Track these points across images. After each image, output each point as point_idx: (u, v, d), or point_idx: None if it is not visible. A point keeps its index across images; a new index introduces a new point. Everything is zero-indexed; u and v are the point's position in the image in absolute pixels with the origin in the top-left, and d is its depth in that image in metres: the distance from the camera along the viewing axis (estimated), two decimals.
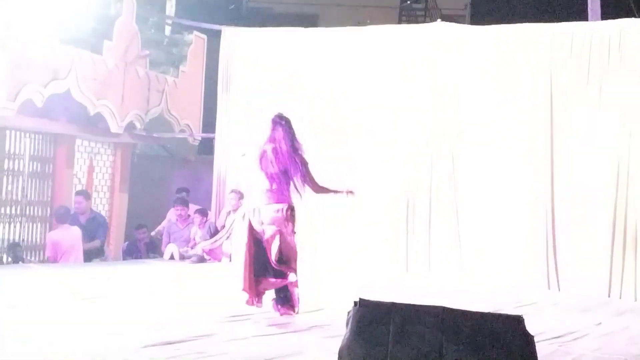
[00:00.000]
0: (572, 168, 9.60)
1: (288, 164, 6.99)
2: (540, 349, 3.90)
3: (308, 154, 7.17)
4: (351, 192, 7.24)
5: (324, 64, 11.26)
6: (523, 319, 3.78)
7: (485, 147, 10.10)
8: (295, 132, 7.15)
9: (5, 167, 11.41)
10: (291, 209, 7.03)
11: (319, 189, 7.17)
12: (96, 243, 11.04)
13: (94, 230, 11.12)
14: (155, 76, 12.99)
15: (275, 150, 7.00)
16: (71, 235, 10.48)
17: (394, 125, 10.74)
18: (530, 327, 3.79)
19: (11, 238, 11.24)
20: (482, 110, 10.19)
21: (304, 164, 7.06)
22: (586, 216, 9.45)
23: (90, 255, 10.78)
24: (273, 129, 7.11)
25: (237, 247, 7.49)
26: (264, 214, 7.02)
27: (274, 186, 7.01)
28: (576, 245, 9.46)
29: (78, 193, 11.63)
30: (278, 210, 6.98)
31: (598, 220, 9.35)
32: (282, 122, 7.13)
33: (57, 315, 6.36)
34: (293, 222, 7.04)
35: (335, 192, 7.24)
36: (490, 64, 10.20)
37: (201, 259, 10.96)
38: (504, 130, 9.99)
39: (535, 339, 3.79)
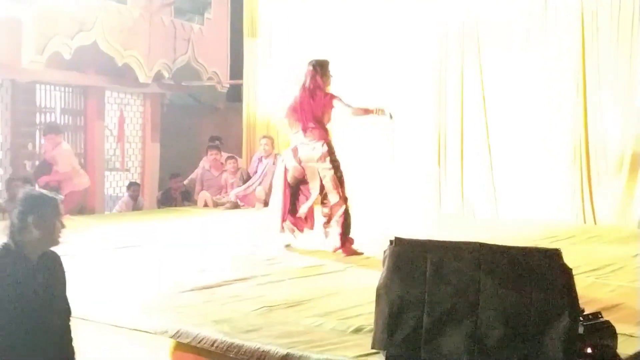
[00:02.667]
0: (605, 102, 9.43)
1: (323, 104, 7.07)
2: (579, 281, 3.88)
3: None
4: (381, 110, 7.24)
5: (352, 5, 11.11)
6: (561, 253, 3.74)
7: (516, 82, 9.94)
8: (328, 75, 7.21)
9: (38, 120, 11.51)
10: (328, 144, 7.10)
11: (355, 111, 7.26)
12: None
13: None
14: (180, 24, 12.93)
15: (311, 92, 7.14)
16: None
17: (425, 67, 10.61)
18: (568, 260, 3.76)
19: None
20: (513, 47, 10.00)
21: (338, 98, 7.20)
22: (621, 149, 9.32)
23: None
24: (309, 73, 7.20)
25: (274, 190, 7.57)
26: (301, 152, 7.19)
27: (310, 125, 7.08)
28: (611, 178, 9.35)
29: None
30: (315, 148, 7.07)
31: (634, 153, 9.21)
32: (316, 66, 7.23)
33: (95, 264, 6.45)
34: (331, 156, 7.10)
35: (368, 110, 7.27)
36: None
37: (235, 205, 11.02)
38: (536, 64, 9.81)
39: (573, 272, 3.76)
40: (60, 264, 3.63)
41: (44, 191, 3.74)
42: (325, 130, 7.26)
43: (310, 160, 7.20)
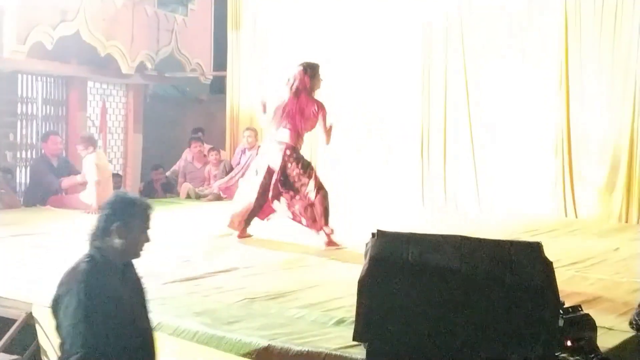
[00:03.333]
0: (587, 95, 9.47)
1: (308, 109, 7.08)
2: (559, 275, 3.90)
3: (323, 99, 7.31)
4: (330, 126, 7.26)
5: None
6: (541, 246, 3.77)
7: (499, 77, 9.97)
8: (318, 78, 7.19)
9: (19, 111, 11.43)
10: (291, 150, 7.12)
11: (328, 132, 7.24)
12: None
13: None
14: (164, 15, 12.86)
15: (297, 94, 7.14)
16: None
17: (409, 63, 10.61)
18: (549, 253, 3.78)
19: (29, 182, 11.29)
20: (496, 43, 10.01)
21: (323, 113, 7.18)
22: (603, 143, 9.37)
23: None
24: (299, 75, 7.19)
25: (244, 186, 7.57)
26: (267, 153, 7.27)
27: (287, 126, 7.10)
28: (593, 171, 9.40)
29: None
30: (280, 150, 7.06)
31: (615, 147, 9.27)
32: (307, 68, 7.23)
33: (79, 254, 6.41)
34: (295, 162, 7.09)
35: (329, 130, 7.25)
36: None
37: (217, 197, 11.00)
38: (519, 59, 9.84)
39: (554, 266, 3.78)
40: (136, 269, 3.49)
41: (139, 197, 3.55)
42: (298, 136, 7.19)
43: (272, 162, 7.19)
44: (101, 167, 9.63)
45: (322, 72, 7.35)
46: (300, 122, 7.12)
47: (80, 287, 3.13)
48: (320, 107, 7.15)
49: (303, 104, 7.11)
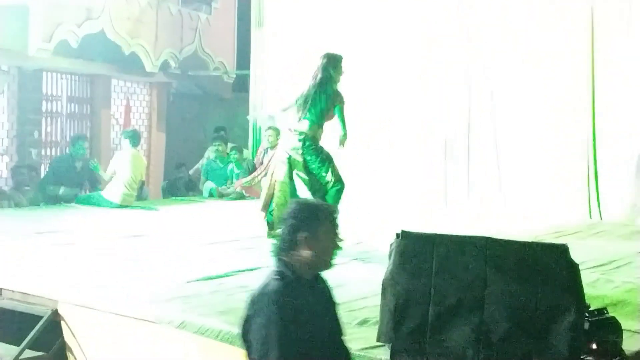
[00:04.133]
0: (613, 98, 9.40)
1: (331, 99, 7.03)
2: (584, 277, 3.88)
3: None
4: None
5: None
6: (567, 248, 3.74)
7: (525, 77, 9.91)
8: (340, 70, 7.16)
9: (44, 108, 11.52)
10: (312, 139, 7.06)
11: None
12: None
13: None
14: (187, 14, 12.91)
15: (321, 84, 7.08)
16: None
17: (432, 61, 10.58)
18: (574, 255, 3.76)
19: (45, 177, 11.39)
20: (521, 47, 9.95)
21: (342, 101, 7.14)
22: (628, 145, 9.29)
23: None
24: (322, 65, 7.14)
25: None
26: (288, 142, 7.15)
27: (308, 115, 7.06)
28: (617, 174, 9.33)
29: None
30: (298, 140, 7.04)
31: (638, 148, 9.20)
32: (330, 60, 7.19)
33: (101, 253, 6.46)
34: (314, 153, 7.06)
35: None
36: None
37: (240, 196, 11.02)
38: (545, 64, 9.77)
39: (579, 268, 3.76)
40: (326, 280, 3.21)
41: (321, 202, 3.27)
42: (318, 127, 7.14)
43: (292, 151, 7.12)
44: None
45: (345, 65, 7.32)
46: (322, 112, 7.10)
47: (272, 308, 2.89)
48: (340, 99, 7.14)
49: (324, 95, 7.09)
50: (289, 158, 7.06)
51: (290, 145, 7.10)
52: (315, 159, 7.04)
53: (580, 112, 9.54)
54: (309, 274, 3.05)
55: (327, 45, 10.87)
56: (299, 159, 7.01)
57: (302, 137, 7.03)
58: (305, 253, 2.99)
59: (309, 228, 2.99)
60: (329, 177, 7.01)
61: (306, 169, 7.03)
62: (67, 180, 10.05)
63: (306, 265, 3.02)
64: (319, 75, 7.11)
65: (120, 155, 10.09)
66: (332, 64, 7.16)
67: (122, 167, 9.71)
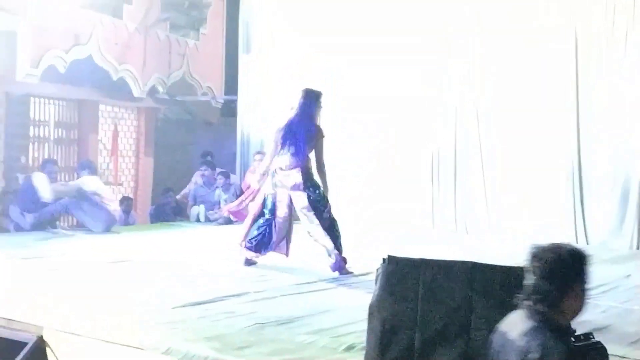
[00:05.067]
0: (599, 122, 9.47)
1: (311, 133, 7.10)
2: None
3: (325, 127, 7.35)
4: None
5: (345, 22, 11.14)
6: None
7: (509, 101, 9.99)
8: (319, 105, 7.23)
9: (31, 134, 11.49)
10: (305, 172, 7.13)
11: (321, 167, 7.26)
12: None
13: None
14: (176, 39, 12.96)
15: (300, 118, 7.18)
16: None
17: (417, 81, 10.64)
18: None
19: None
20: (506, 64, 10.04)
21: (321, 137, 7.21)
22: (614, 170, 9.36)
23: None
24: (301, 100, 7.24)
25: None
26: (277, 178, 7.21)
27: (292, 149, 7.10)
28: (604, 198, 9.38)
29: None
30: (289, 175, 7.10)
31: (626, 174, 9.25)
32: (309, 95, 7.29)
33: (87, 278, 6.43)
34: (307, 184, 7.09)
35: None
36: (515, 13, 10.02)
37: (227, 221, 11.00)
38: (529, 84, 9.85)
39: None
40: None
41: (577, 247, 2.86)
42: (305, 158, 7.20)
43: (284, 187, 7.18)
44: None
45: (324, 100, 7.41)
46: (305, 146, 7.15)
47: None
48: (320, 131, 7.20)
49: (307, 129, 7.14)
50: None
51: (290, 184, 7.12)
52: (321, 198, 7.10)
53: (566, 135, 9.60)
54: (566, 325, 2.81)
55: (313, 72, 11.02)
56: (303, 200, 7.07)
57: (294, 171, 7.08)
58: (577, 304, 2.77)
59: (583, 277, 2.78)
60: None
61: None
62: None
63: (574, 316, 2.82)
64: (298, 112, 7.18)
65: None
66: (313, 99, 7.23)
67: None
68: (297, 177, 7.08)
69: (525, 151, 9.86)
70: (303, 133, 7.13)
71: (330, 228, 7.07)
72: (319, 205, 7.09)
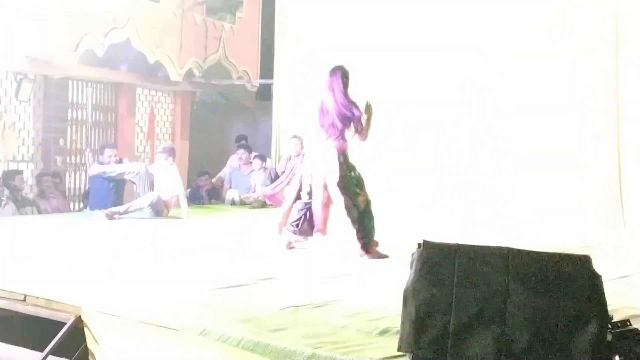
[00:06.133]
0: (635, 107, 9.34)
1: (344, 114, 7.04)
2: (606, 288, 3.85)
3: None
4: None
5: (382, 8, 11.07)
6: (590, 259, 3.72)
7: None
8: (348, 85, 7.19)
9: (69, 116, 11.64)
10: (344, 154, 7.09)
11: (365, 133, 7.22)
12: None
13: None
14: (212, 23, 13.01)
15: (332, 101, 7.10)
16: None
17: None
18: (596, 267, 3.73)
19: (77, 187, 11.50)
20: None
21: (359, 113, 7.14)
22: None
23: None
24: (330, 80, 7.16)
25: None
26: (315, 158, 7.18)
27: (331, 131, 7.07)
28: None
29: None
30: (328, 155, 7.06)
31: None
32: (338, 73, 7.20)
33: (127, 261, 6.51)
34: (344, 167, 7.08)
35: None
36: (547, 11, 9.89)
37: (262, 204, 11.06)
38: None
39: (602, 279, 3.73)
40: None
41: None
42: (344, 139, 7.16)
43: (321, 168, 7.16)
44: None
45: (355, 75, 7.35)
46: (342, 126, 7.12)
47: None
48: (356, 107, 7.16)
49: (342, 108, 7.11)
50: None
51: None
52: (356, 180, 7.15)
53: (604, 121, 9.47)
54: None
55: (350, 56, 10.95)
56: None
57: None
58: None
59: None
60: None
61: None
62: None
63: None
64: (334, 88, 7.13)
65: (172, 170, 10.02)
66: (342, 78, 7.18)
67: (178, 182, 9.95)
68: (337, 159, 7.07)
69: (564, 136, 9.72)
70: (339, 114, 7.11)
71: (365, 210, 7.07)
72: (353, 187, 7.09)
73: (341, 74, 7.22)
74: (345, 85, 7.21)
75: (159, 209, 9.64)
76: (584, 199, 9.57)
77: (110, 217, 9.18)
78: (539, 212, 9.81)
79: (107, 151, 10.14)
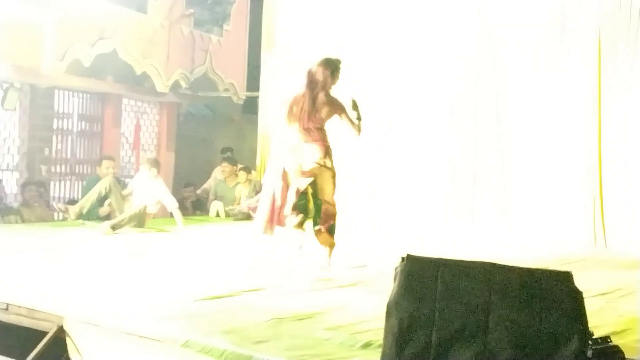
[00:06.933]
0: (619, 125, 9.42)
1: (327, 107, 6.93)
2: (588, 305, 3.88)
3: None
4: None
5: (368, 20, 11.14)
6: (571, 275, 3.75)
7: (529, 107, 9.95)
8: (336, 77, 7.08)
9: (55, 126, 11.62)
10: (326, 148, 6.94)
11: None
12: None
13: None
14: (199, 35, 13.04)
15: (314, 91, 6.97)
16: None
17: (436, 83, 10.63)
18: (578, 283, 3.77)
19: (62, 196, 11.46)
20: (525, 73, 10.00)
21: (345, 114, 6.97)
22: (634, 173, 9.30)
23: None
24: (317, 71, 7.02)
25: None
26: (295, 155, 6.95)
27: (309, 125, 6.93)
28: (623, 202, 9.33)
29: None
30: (310, 152, 6.89)
31: None
32: (327, 65, 7.05)
33: (107, 271, 6.49)
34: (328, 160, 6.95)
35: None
36: (535, 20, 9.98)
37: (246, 216, 11.04)
38: (549, 90, 9.81)
39: (583, 296, 3.77)
40: None
41: None
42: (324, 133, 6.97)
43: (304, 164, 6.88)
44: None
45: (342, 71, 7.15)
46: (321, 120, 6.95)
47: None
48: (343, 110, 6.95)
49: (322, 102, 6.97)
50: None
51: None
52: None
53: (586, 140, 9.56)
54: None
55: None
56: None
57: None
58: None
59: None
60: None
61: None
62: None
63: None
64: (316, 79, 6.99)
65: (158, 184, 10.05)
66: (329, 70, 7.06)
67: (168, 195, 10.07)
68: (319, 152, 6.90)
69: (545, 153, 9.82)
70: (319, 108, 6.97)
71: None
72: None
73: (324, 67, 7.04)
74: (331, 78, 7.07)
75: (143, 221, 9.63)
76: (566, 215, 9.65)
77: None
78: (520, 227, 9.90)
79: (105, 162, 10.18)
